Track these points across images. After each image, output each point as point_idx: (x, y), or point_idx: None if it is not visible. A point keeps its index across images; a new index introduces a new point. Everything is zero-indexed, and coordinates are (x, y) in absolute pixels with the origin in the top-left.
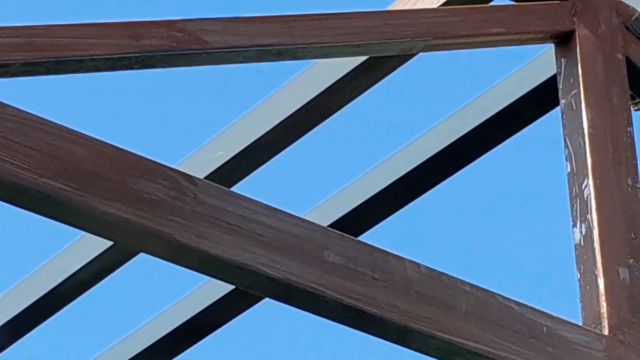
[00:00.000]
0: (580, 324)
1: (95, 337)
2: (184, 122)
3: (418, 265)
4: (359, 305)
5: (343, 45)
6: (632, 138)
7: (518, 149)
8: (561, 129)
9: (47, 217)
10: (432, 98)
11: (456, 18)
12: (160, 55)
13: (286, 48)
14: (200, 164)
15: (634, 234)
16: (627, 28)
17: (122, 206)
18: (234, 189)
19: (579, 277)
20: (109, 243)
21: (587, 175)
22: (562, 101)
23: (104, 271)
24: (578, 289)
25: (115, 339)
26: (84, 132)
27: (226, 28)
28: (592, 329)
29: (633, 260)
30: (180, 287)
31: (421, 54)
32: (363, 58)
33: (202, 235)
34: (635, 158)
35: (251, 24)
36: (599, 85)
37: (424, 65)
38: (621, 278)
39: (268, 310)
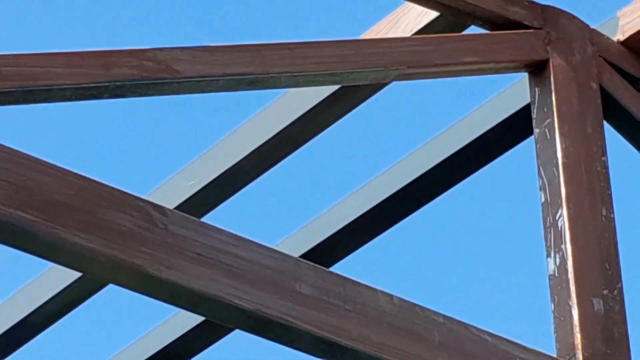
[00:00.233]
0: (555, 355)
1: None
2: (154, 152)
3: (391, 296)
4: (331, 337)
5: (315, 75)
6: (607, 167)
7: (491, 178)
8: (535, 158)
9: (16, 249)
10: (404, 127)
11: (429, 47)
12: (130, 84)
13: (257, 77)
14: (171, 193)
15: (609, 265)
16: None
17: (92, 237)
18: (205, 218)
19: (553, 308)
20: (80, 273)
21: (561, 205)
22: (536, 130)
23: (74, 301)
24: (552, 320)
25: None
26: (53, 162)
27: (197, 57)
28: None
29: (607, 291)
30: (152, 318)
31: (394, 82)
32: (335, 87)
33: (172, 267)
34: (609, 188)
35: (222, 53)
36: (573, 115)
37: (397, 95)
38: (595, 309)
39: (239, 342)
